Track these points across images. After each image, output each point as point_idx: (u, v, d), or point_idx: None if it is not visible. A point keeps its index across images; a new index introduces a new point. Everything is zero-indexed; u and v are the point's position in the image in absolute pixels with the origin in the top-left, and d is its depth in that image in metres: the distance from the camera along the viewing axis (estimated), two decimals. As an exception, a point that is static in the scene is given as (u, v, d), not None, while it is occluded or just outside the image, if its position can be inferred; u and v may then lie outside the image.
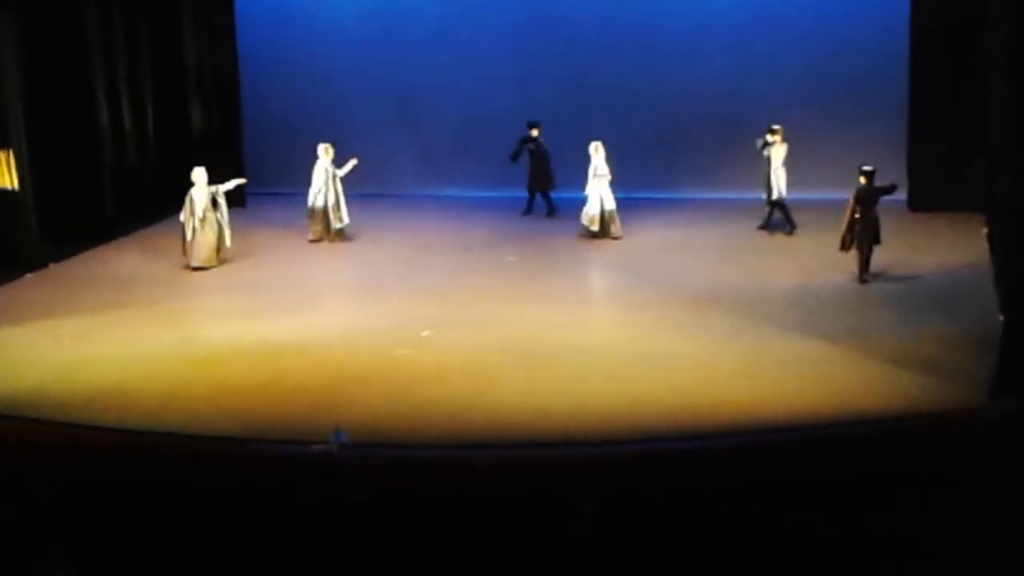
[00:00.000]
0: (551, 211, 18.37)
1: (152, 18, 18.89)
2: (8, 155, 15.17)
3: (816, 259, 15.32)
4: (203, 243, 15.67)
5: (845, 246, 14.19)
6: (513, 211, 18.59)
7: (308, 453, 9.28)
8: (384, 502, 8.35)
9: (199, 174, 15.87)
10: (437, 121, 20.05)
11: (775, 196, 16.79)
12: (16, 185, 15.27)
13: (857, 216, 14.00)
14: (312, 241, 17.05)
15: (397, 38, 20.14)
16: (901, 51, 17.80)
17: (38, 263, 15.58)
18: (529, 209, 18.51)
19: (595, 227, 16.73)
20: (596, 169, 16.65)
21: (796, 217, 16.85)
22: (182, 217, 15.73)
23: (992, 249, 14.26)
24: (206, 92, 19.60)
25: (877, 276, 14.21)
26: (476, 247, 16.74)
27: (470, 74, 19.97)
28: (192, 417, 10.31)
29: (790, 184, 16.66)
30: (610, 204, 16.77)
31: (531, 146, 18.20)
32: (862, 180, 14.16)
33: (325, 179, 16.95)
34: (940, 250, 15.43)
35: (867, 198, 14.09)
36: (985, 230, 15.49)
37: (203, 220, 15.63)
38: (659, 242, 16.72)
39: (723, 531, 7.72)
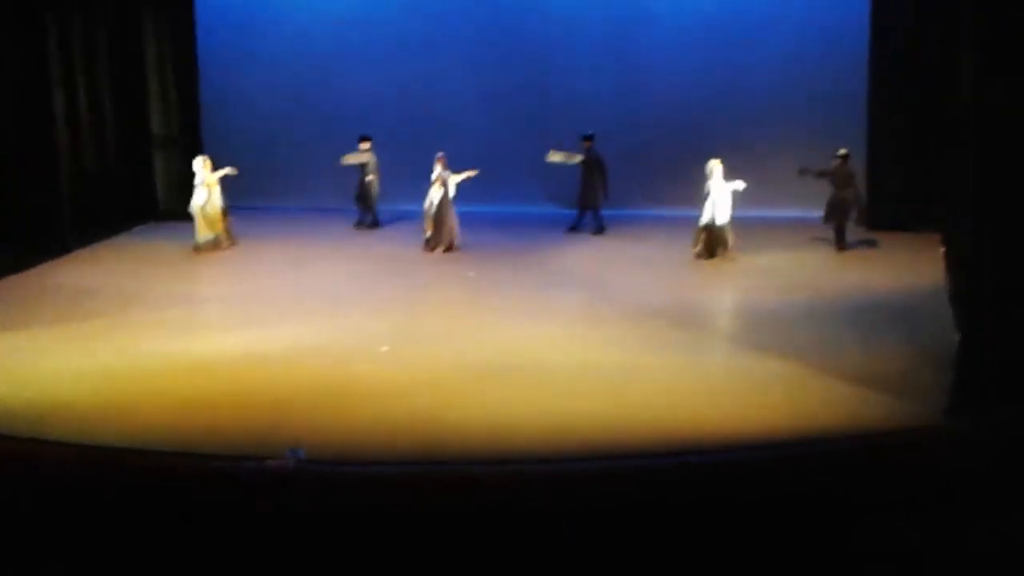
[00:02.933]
0: (360, 224, 19.04)
1: (112, 26, 18.75)
2: None
3: (777, 278, 15.44)
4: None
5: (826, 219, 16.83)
6: (473, 224, 18.59)
7: (264, 469, 9.21)
8: (342, 519, 8.30)
9: (198, 163, 17.17)
10: (404, 134, 20.02)
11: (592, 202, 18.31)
12: None
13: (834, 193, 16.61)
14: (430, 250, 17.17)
15: (363, 49, 20.15)
16: (860, 72, 17.99)
17: (-7, 275, 15.42)
18: (373, 221, 19.12)
19: (697, 247, 16.31)
20: (718, 187, 16.07)
21: (759, 237, 16.97)
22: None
23: (948, 268, 14.42)
24: (167, 103, 19.48)
25: (832, 294, 14.36)
26: (437, 261, 16.72)
27: (437, 86, 19.99)
28: (147, 431, 10.19)
29: (745, 202, 16.72)
30: (721, 220, 16.18)
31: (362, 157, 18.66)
32: (834, 163, 16.58)
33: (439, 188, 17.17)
34: (897, 269, 15.58)
35: (838, 178, 16.67)
36: (942, 249, 15.66)
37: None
38: (620, 258, 16.77)
39: (682, 551, 7.72)
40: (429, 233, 17.20)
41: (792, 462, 9.41)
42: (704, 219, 16.22)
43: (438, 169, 17.17)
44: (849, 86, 18.19)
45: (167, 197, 19.23)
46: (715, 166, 16.21)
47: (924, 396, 10.55)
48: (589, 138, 18.27)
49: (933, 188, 16.32)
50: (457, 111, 19.91)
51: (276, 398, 11.02)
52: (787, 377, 11.45)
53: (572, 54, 19.76)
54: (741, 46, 19.31)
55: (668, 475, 9.32)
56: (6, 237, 15.79)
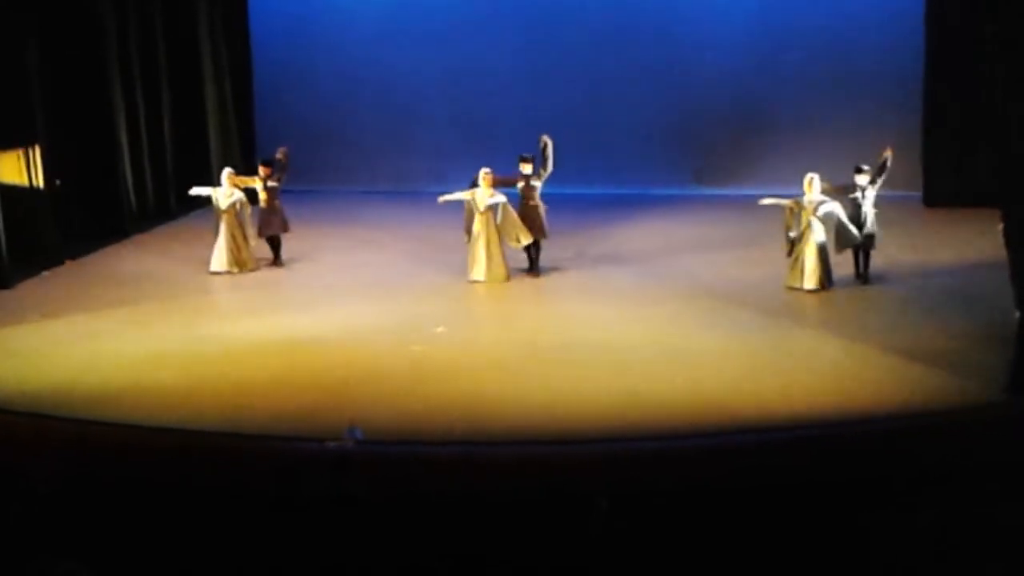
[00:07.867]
0: (276, 261, 15.72)
1: (168, 19, 19.00)
2: (31, 153, 15.27)
3: (832, 257, 15.26)
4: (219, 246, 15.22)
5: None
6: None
7: (323, 450, 9.29)
8: (399, 499, 8.36)
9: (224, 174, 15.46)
10: (449, 118, 20.07)
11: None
12: (41, 183, 15.38)
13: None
14: None
15: (410, 35, 20.22)
16: (916, 45, 17.76)
17: (55, 260, 15.64)
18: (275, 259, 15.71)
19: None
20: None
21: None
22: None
23: (1008, 244, 14.21)
24: (222, 92, 19.70)
25: (890, 272, 14.21)
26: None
27: (482, 70, 19.99)
28: (206, 414, 10.32)
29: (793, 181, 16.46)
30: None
31: (261, 185, 15.46)
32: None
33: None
34: (955, 246, 15.38)
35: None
36: (1001, 225, 15.43)
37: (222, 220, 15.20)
38: (672, 238, 16.69)
39: (736, 530, 7.70)
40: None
41: (849, 441, 9.36)
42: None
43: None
44: (905, 61, 17.96)
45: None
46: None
47: (984, 374, 10.45)
48: (528, 160, 14.73)
49: (991, 161, 16.09)
50: (506, 91, 19.89)
51: (333, 380, 11.11)
52: (844, 355, 11.37)
53: (624, 31, 19.65)
54: (796, 23, 19.11)
55: (721, 455, 9.29)
56: (67, 224, 16.03)
